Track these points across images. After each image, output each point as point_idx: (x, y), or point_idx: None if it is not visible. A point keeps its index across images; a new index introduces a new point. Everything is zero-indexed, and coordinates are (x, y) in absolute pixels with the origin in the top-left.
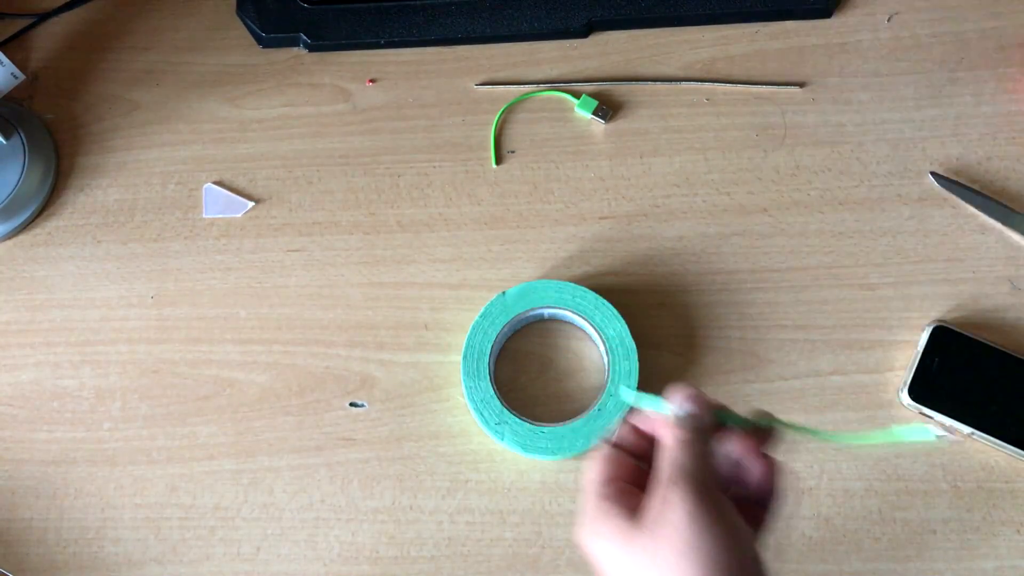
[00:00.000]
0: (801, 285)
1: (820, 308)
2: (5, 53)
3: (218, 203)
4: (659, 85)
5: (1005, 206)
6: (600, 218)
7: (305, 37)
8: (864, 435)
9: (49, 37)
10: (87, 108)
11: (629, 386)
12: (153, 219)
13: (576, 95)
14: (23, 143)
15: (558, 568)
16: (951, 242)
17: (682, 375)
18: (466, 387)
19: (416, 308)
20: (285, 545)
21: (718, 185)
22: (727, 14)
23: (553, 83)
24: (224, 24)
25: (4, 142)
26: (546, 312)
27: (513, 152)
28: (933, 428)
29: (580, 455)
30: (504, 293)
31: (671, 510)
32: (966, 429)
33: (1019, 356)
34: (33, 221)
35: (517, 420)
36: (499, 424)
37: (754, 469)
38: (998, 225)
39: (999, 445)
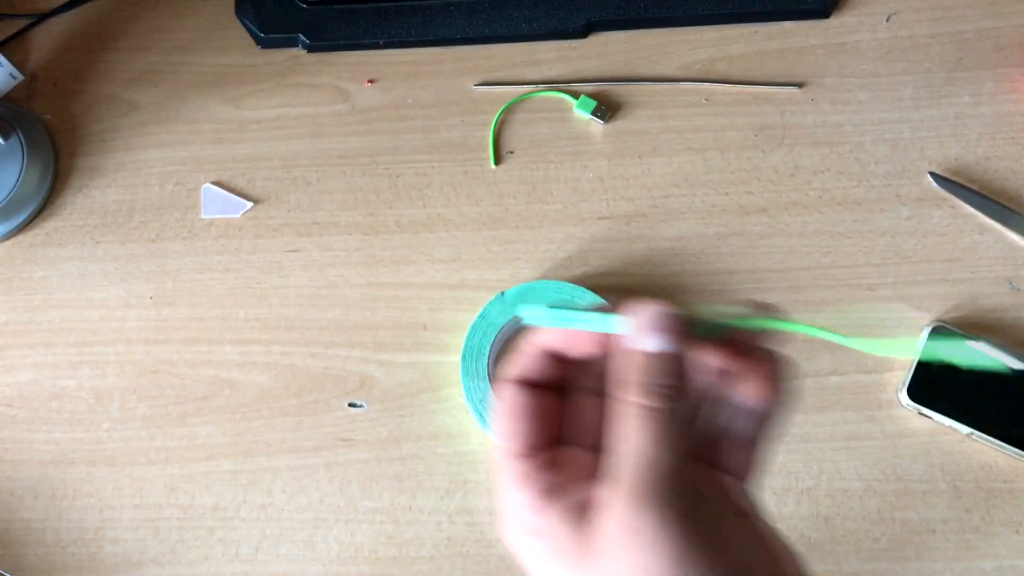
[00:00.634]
0: (800, 285)
1: (819, 308)
2: (4, 53)
3: (217, 203)
4: (658, 85)
5: (1004, 206)
6: (599, 218)
7: (304, 37)
8: (882, 344)
9: (48, 37)
10: (86, 108)
11: None
12: (152, 219)
13: (575, 95)
14: (21, 143)
15: None
16: (950, 242)
17: None
18: (465, 387)
19: (415, 308)
20: (284, 545)
21: (717, 185)
22: (726, 14)
23: (552, 83)
24: (223, 24)
25: (3, 142)
26: None
27: (512, 152)
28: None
29: None
30: (503, 293)
31: (638, 544)
32: (965, 429)
33: (1019, 356)
34: (31, 222)
35: None
36: None
37: (746, 379)
38: (997, 225)
39: (998, 445)
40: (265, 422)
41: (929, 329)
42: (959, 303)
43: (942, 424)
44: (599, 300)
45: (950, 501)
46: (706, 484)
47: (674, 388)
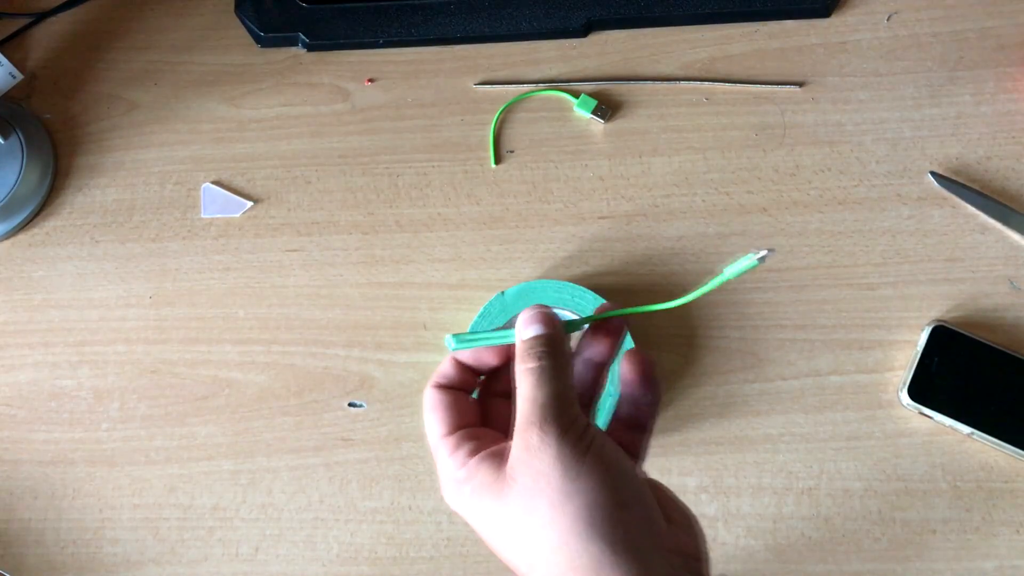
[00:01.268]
0: (800, 285)
1: (819, 308)
2: (3, 52)
3: (216, 203)
4: (658, 84)
5: (1005, 206)
6: (599, 218)
7: (304, 37)
8: (698, 289)
9: (47, 36)
10: (85, 108)
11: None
12: (151, 219)
13: (575, 94)
14: (21, 143)
15: None
16: (951, 242)
17: (682, 375)
18: None
19: (415, 308)
20: (284, 545)
21: (717, 185)
22: (726, 13)
23: (552, 82)
24: (222, 24)
25: (2, 142)
26: None
27: (512, 152)
28: (756, 253)
29: None
30: (503, 293)
31: (535, 457)
32: (966, 429)
33: (1019, 356)
34: (31, 221)
35: None
36: None
37: (624, 372)
38: (998, 225)
39: (999, 445)
40: (265, 422)
41: (929, 329)
42: (959, 303)
43: (942, 424)
44: (599, 299)
45: (950, 501)
46: (586, 421)
47: (544, 352)
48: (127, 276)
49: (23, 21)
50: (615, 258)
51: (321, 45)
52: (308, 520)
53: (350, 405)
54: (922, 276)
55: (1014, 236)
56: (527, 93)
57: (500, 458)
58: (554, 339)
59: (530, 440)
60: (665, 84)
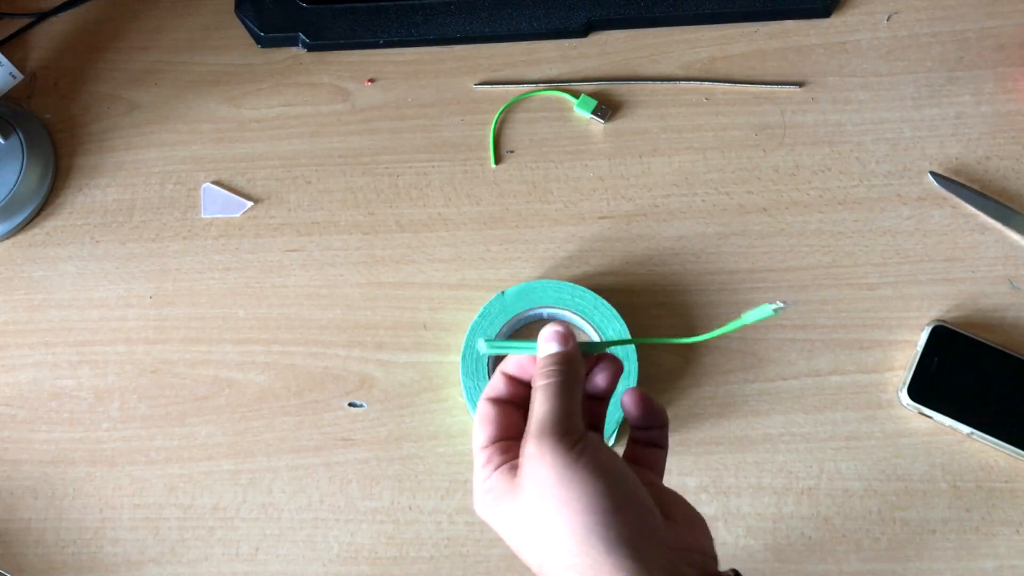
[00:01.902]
0: (800, 285)
1: (819, 308)
2: (3, 53)
3: (216, 203)
4: (658, 85)
5: (1005, 205)
6: (599, 218)
7: (304, 37)
8: (715, 330)
9: (47, 37)
10: (85, 108)
11: (629, 375)
12: (152, 219)
13: (575, 95)
14: (21, 143)
15: None
16: (950, 242)
17: (682, 375)
18: (465, 387)
19: (415, 308)
20: (284, 545)
21: (717, 185)
22: (726, 13)
23: (552, 83)
24: (223, 24)
25: (2, 142)
26: (545, 312)
27: (512, 152)
28: (772, 305)
29: None
30: (503, 293)
31: (537, 466)
32: (966, 429)
33: (1019, 356)
34: (31, 221)
35: None
36: None
37: (627, 409)
38: (997, 225)
39: (999, 445)
40: (265, 422)
41: (929, 329)
42: (959, 303)
43: (942, 424)
44: (599, 299)
45: (950, 501)
46: (587, 432)
47: (555, 370)
48: (127, 276)
49: (23, 21)
50: (615, 258)
51: (321, 45)
52: (308, 520)
53: (350, 405)
54: (922, 276)
55: (1014, 236)
56: (527, 93)
57: (518, 469)
58: (566, 358)
59: (530, 450)
60: (665, 84)
